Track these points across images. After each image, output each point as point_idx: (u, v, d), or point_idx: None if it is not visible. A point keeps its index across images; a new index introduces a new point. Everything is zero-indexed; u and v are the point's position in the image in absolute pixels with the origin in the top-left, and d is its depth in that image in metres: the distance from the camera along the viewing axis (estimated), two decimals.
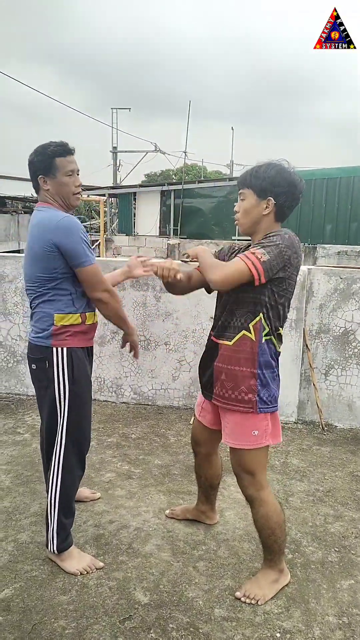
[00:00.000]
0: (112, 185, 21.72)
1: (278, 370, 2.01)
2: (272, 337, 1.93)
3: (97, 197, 18.35)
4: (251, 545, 2.37)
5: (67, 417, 2.14)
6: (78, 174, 2.15)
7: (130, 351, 2.40)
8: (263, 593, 2.03)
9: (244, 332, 1.92)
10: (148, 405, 4.13)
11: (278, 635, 1.87)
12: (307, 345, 3.87)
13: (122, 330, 2.35)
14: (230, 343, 1.95)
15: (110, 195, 19.47)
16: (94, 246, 16.00)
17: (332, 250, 13.00)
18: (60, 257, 2.02)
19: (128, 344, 2.39)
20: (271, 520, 2.01)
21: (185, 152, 22.90)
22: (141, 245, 16.65)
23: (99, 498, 2.72)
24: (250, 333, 1.91)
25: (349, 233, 15.44)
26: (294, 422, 3.92)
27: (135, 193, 18.44)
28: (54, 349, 2.10)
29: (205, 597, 2.05)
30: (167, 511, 2.60)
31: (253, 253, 1.80)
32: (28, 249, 2.11)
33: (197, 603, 2.02)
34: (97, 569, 2.18)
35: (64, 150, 2.09)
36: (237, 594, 2.05)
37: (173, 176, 32.62)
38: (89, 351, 2.28)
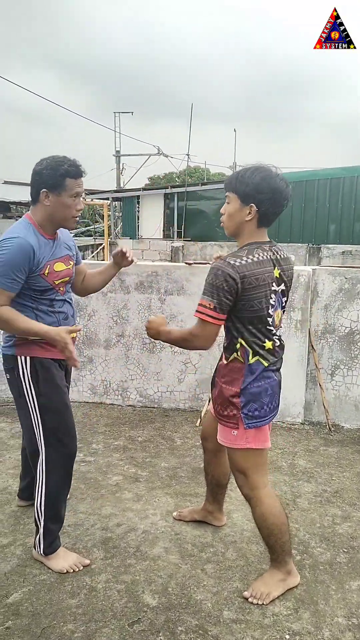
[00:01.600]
0: (115, 189, 21.78)
1: (273, 380, 1.99)
2: (259, 357, 1.94)
3: (101, 201, 18.38)
4: (259, 547, 2.36)
5: (43, 428, 2.12)
6: (82, 198, 2.11)
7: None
8: (268, 590, 2.03)
9: (235, 354, 1.96)
10: (154, 407, 4.13)
11: (287, 637, 1.87)
12: (312, 346, 3.87)
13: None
14: (226, 362, 2.00)
15: (114, 199, 19.53)
16: (98, 250, 16.02)
17: (336, 250, 12.97)
18: None
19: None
20: (268, 521, 2.01)
21: (188, 155, 22.94)
22: (145, 248, 16.66)
23: None
24: (239, 356, 1.95)
25: (353, 233, 15.40)
26: (301, 423, 3.91)
27: (138, 196, 18.48)
28: (18, 358, 2.09)
29: (213, 600, 2.04)
30: (175, 513, 2.60)
31: (202, 304, 1.86)
32: None
33: (205, 605, 2.01)
34: (83, 566, 2.20)
35: (77, 172, 2.03)
36: (245, 593, 2.05)
37: (176, 179, 32.65)
38: (63, 363, 2.22)
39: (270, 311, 1.92)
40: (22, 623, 1.90)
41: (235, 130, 30.54)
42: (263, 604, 2.01)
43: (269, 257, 1.91)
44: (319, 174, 16.08)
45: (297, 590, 2.11)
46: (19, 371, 2.10)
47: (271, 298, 1.91)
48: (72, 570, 2.17)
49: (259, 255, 1.89)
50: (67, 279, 2.20)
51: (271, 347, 1.95)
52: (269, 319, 1.92)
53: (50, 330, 1.98)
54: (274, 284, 1.92)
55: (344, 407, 3.91)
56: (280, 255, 1.97)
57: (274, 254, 1.94)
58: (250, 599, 2.03)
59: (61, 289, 2.16)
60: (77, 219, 2.13)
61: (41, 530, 2.17)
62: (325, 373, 3.91)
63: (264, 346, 1.93)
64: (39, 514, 2.16)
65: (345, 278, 3.80)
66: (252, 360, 1.93)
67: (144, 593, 2.07)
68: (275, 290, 1.93)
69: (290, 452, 3.41)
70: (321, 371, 3.89)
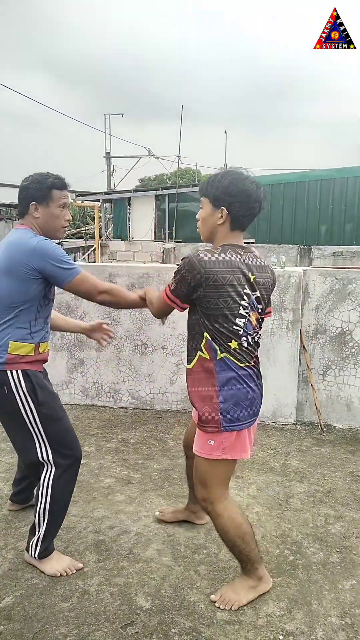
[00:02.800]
0: (106, 190, 21.71)
1: (255, 385, 1.95)
2: (227, 354, 1.88)
3: (92, 202, 18.31)
4: None
5: (47, 437, 2.10)
6: (72, 200, 2.17)
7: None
8: (238, 598, 2.01)
9: (199, 353, 1.91)
10: (146, 409, 4.12)
11: (281, 637, 1.87)
12: (304, 346, 3.88)
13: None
14: (190, 365, 1.95)
15: (105, 201, 19.46)
16: (89, 252, 16.00)
17: (327, 251, 13.05)
18: (37, 281, 2.00)
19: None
20: (229, 534, 1.97)
21: (179, 157, 22.91)
22: (136, 250, 16.65)
23: None
24: (204, 353, 1.90)
25: (344, 234, 15.49)
26: (293, 424, 3.92)
27: (129, 198, 18.44)
28: (9, 373, 2.05)
29: (207, 601, 2.04)
30: (157, 512, 2.58)
31: (168, 285, 1.92)
32: None
33: (199, 607, 2.01)
34: (76, 570, 2.19)
35: (62, 184, 2.12)
36: (212, 597, 2.04)
37: (167, 180, 32.66)
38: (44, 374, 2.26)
39: (241, 312, 1.86)
40: (14, 627, 1.89)
41: (225, 132, 30.55)
42: (231, 609, 1.99)
43: (242, 260, 1.87)
44: (310, 175, 16.17)
45: (291, 590, 2.11)
46: (10, 386, 2.05)
47: (243, 299, 1.86)
48: (65, 574, 2.15)
49: (231, 256, 1.85)
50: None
51: (237, 347, 1.89)
52: (237, 319, 1.86)
53: None
54: (246, 286, 1.86)
55: (336, 407, 3.93)
56: (255, 262, 1.92)
57: (248, 259, 1.90)
58: (217, 604, 2.01)
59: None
60: (66, 229, 2.20)
61: (41, 534, 2.15)
62: (317, 373, 3.92)
63: (230, 345, 1.88)
64: (41, 517, 2.14)
65: (336, 279, 3.82)
66: (220, 356, 1.88)
67: (137, 595, 2.06)
68: (247, 293, 1.87)
69: (282, 453, 3.42)
70: (313, 371, 3.91)
